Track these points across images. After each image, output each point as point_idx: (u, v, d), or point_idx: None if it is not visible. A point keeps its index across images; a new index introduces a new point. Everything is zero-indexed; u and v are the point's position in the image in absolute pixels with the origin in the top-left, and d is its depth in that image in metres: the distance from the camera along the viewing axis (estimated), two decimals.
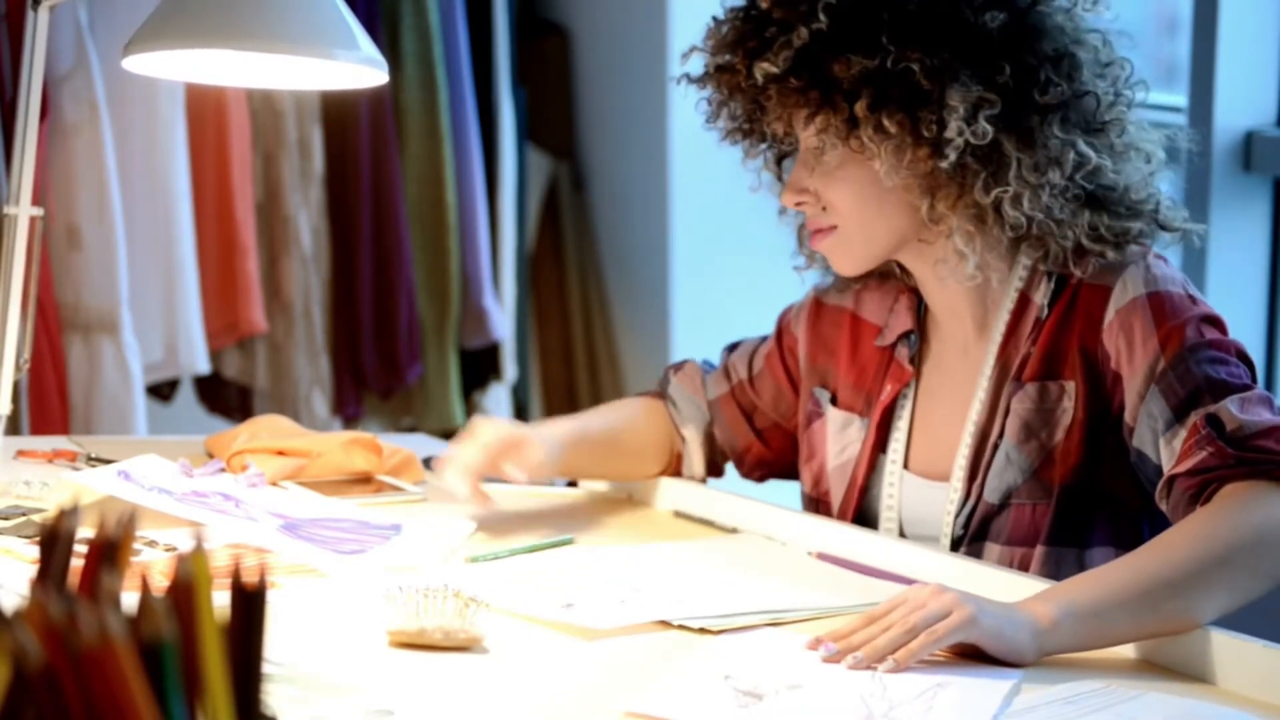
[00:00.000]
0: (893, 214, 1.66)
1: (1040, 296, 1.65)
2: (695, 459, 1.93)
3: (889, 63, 1.57)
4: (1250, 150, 2.85)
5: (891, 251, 1.70)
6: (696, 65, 1.71)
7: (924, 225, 1.65)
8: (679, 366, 1.98)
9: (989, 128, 1.57)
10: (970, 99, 1.57)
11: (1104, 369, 1.60)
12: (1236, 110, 2.85)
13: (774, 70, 1.60)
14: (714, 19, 1.69)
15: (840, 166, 1.64)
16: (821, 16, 1.59)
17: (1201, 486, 1.48)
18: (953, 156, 1.58)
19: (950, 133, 1.57)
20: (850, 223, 1.67)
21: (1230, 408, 1.49)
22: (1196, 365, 1.54)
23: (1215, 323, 1.58)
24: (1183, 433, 1.52)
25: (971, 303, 1.70)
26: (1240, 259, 2.89)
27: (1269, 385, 2.95)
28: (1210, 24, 2.79)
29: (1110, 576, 1.43)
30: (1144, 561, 1.43)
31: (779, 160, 1.79)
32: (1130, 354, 1.58)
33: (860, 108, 1.58)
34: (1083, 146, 1.61)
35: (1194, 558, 1.41)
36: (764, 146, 1.77)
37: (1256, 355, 2.88)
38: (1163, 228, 1.67)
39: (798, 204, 1.69)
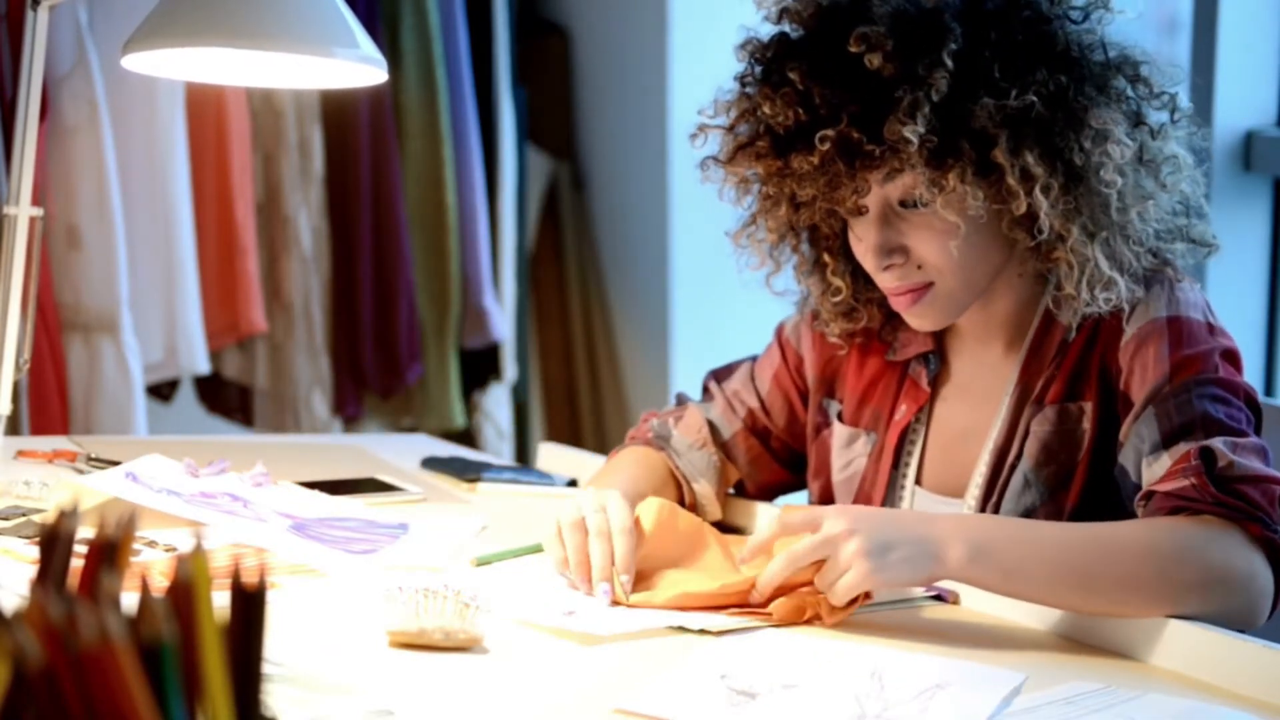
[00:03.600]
0: (992, 254, 1.60)
1: (1066, 317, 1.61)
2: (711, 509, 1.85)
3: (1015, 98, 1.50)
4: (1250, 150, 2.85)
5: (982, 294, 1.63)
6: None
7: (1020, 259, 1.61)
8: (678, 414, 1.89)
9: (1130, 143, 1.54)
10: (1108, 118, 1.53)
11: (1115, 386, 1.59)
12: (1236, 110, 2.85)
13: (918, 130, 1.48)
14: (750, 87, 1.58)
15: (933, 218, 1.55)
16: (949, 63, 1.49)
17: (1174, 511, 1.47)
18: (1118, 182, 1.53)
19: (1099, 156, 1.52)
20: (950, 276, 1.58)
21: (1223, 446, 1.47)
22: (1198, 399, 1.51)
23: (1231, 358, 1.56)
24: (1165, 458, 1.50)
25: (1005, 324, 1.67)
26: (1240, 259, 2.89)
27: (1269, 385, 2.95)
28: (1210, 24, 2.80)
29: (1042, 539, 1.45)
30: (1081, 541, 1.44)
31: (807, 230, 1.71)
32: (1143, 374, 1.55)
33: (999, 152, 1.51)
34: (1182, 153, 1.60)
35: (1129, 565, 1.42)
36: (795, 220, 1.66)
37: (1256, 355, 2.90)
38: (1197, 244, 1.65)
39: (888, 266, 1.59)
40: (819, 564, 1.45)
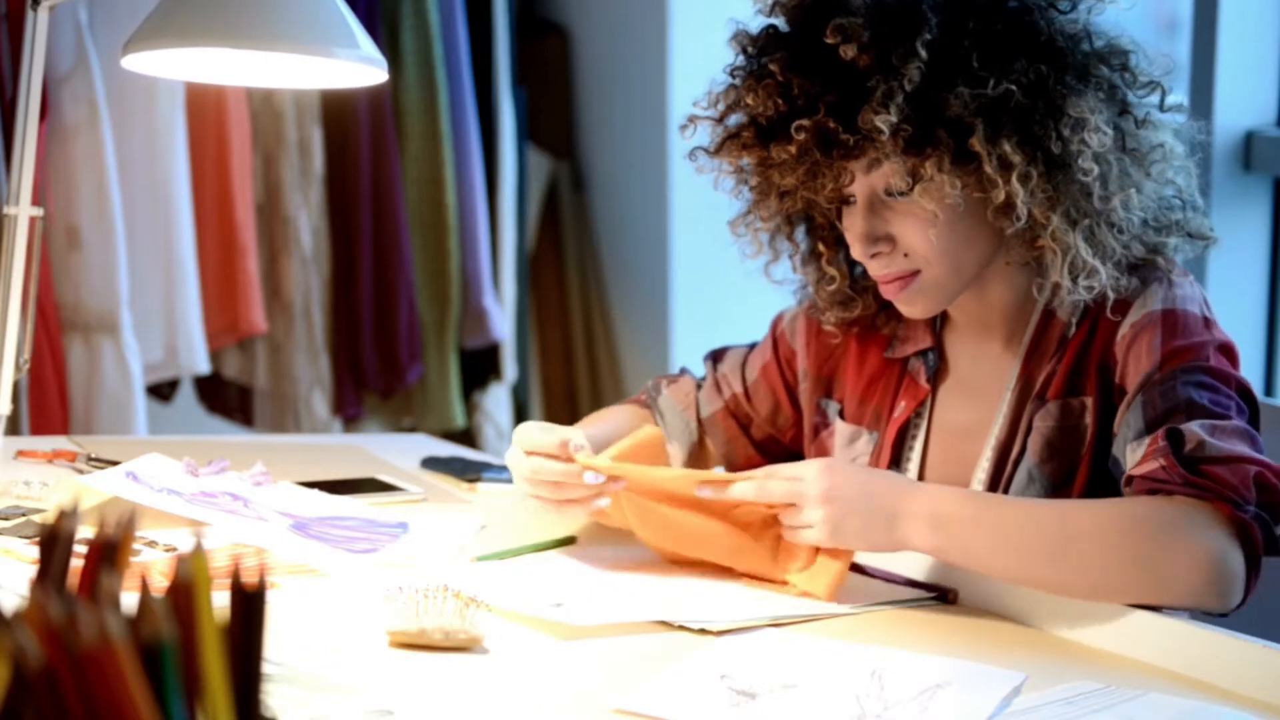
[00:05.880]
0: (978, 242, 1.60)
1: (1065, 313, 1.62)
2: None
3: (993, 87, 1.51)
4: (1250, 150, 2.85)
5: (971, 283, 1.64)
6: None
7: (1007, 247, 1.61)
8: (674, 378, 1.93)
9: (1109, 131, 1.54)
10: (1085, 106, 1.53)
11: (1112, 380, 1.59)
12: (1236, 110, 2.85)
13: (891, 119, 1.49)
14: (738, 79, 1.59)
15: (917, 206, 1.56)
16: (923, 53, 1.50)
17: (1149, 493, 1.47)
18: (1096, 170, 1.53)
19: (1078, 145, 1.52)
20: (936, 264, 1.59)
21: (1197, 428, 1.47)
22: (1183, 385, 1.52)
23: (1227, 353, 1.56)
24: (1146, 442, 1.51)
25: (1003, 317, 1.67)
26: (1240, 259, 2.89)
27: (1269, 384, 2.94)
28: (1210, 24, 2.79)
29: (1005, 516, 1.47)
30: (1048, 517, 1.46)
31: (803, 219, 1.72)
32: (1136, 365, 1.56)
33: (976, 140, 1.51)
34: (1170, 142, 1.60)
35: (1097, 540, 1.43)
36: (782, 209, 1.68)
37: (1256, 355, 2.90)
38: (1194, 237, 1.65)
39: (874, 254, 1.60)
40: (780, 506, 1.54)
